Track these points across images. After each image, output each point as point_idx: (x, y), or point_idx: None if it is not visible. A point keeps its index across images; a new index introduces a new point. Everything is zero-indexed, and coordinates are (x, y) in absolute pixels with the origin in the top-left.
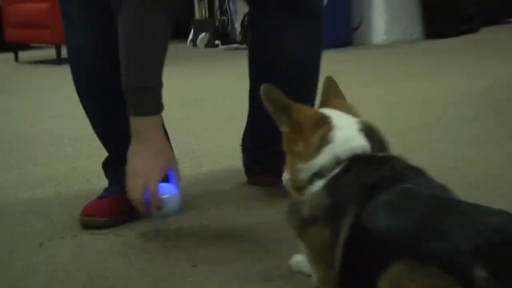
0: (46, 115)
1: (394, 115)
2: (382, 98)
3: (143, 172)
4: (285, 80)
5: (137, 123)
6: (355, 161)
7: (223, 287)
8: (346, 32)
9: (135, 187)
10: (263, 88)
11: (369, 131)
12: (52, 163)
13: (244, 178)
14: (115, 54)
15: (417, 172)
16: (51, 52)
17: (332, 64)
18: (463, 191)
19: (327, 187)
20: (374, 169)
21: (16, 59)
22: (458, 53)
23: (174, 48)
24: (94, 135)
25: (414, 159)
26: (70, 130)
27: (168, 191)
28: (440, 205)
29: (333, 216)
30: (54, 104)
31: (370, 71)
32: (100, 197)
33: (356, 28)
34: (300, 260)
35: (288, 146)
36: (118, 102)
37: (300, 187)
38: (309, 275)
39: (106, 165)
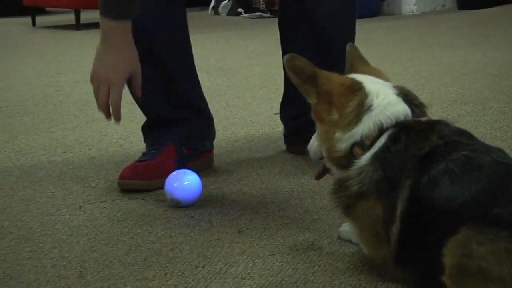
0: (70, 80)
1: (433, 86)
2: (417, 69)
3: (105, 78)
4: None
5: (106, 24)
6: (401, 129)
7: (274, 254)
8: (376, 2)
9: (99, 93)
10: (285, 58)
11: (406, 95)
12: (81, 128)
13: (281, 146)
14: None
15: (467, 136)
16: (69, 17)
17: (361, 34)
18: None
19: (376, 160)
20: (423, 138)
21: (34, 23)
22: (493, 24)
23: (196, 16)
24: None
25: None
26: None
27: (184, 195)
28: (503, 171)
29: (387, 190)
30: (76, 70)
31: (402, 42)
32: (139, 161)
33: None
34: (348, 229)
35: (318, 115)
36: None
37: (338, 158)
38: (357, 244)
39: (145, 128)
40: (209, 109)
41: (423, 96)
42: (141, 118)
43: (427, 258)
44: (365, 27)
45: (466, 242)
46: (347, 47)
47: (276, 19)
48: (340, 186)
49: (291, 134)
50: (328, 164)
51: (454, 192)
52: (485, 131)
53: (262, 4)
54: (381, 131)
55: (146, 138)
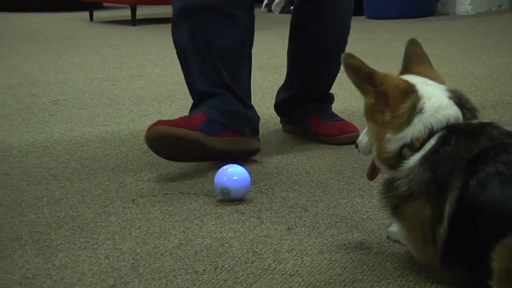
0: (125, 75)
1: (486, 88)
2: (471, 70)
3: None
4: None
5: None
6: (451, 131)
7: (323, 252)
8: (430, 1)
9: None
10: (343, 57)
11: (459, 98)
12: (135, 123)
13: (331, 144)
14: None
15: None
16: (125, 13)
17: (415, 34)
18: None
19: (425, 161)
20: (473, 140)
21: (91, 18)
22: None
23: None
24: (175, 96)
25: None
26: (150, 91)
27: (231, 182)
28: None
29: (435, 192)
30: (131, 64)
31: (456, 43)
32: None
33: None
34: (397, 230)
35: (371, 115)
36: None
37: (388, 159)
38: (406, 245)
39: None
40: (252, 105)
41: (476, 98)
42: None
43: (475, 260)
44: (419, 27)
45: None
46: (407, 42)
47: None
48: (389, 186)
49: (283, 115)
50: (378, 163)
51: (504, 195)
52: None
53: None
54: (431, 133)
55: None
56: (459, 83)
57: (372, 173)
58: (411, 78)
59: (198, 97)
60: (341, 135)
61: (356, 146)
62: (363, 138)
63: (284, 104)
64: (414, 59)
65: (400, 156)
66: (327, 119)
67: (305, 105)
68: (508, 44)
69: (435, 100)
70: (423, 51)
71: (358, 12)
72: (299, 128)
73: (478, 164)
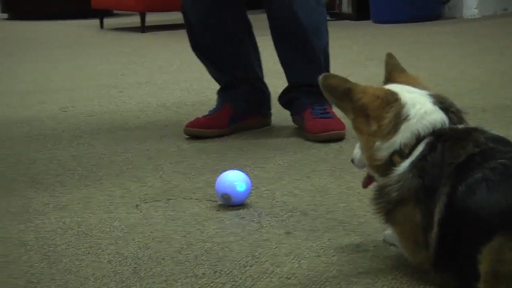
0: (133, 82)
1: (488, 91)
2: (474, 73)
3: None
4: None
5: None
6: (438, 137)
7: (320, 255)
8: (437, 5)
9: None
10: (320, 78)
11: (442, 103)
12: (141, 129)
13: (333, 149)
14: None
15: (503, 142)
16: (134, 19)
17: (421, 37)
18: None
19: (414, 168)
20: (459, 147)
21: (101, 25)
22: None
23: (258, 18)
24: (182, 103)
25: (510, 137)
26: (157, 97)
27: (232, 188)
28: None
29: (425, 198)
30: (139, 71)
31: (461, 46)
32: (204, 116)
33: (446, 1)
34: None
35: (358, 128)
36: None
37: (379, 166)
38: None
39: (218, 91)
40: (265, 85)
41: (477, 101)
42: None
43: (465, 264)
44: (425, 31)
45: (499, 248)
46: (386, 57)
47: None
48: (381, 193)
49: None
50: (370, 172)
51: (491, 200)
52: None
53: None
54: (418, 139)
55: (217, 97)
56: (461, 86)
57: (368, 181)
58: (393, 87)
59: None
60: (321, 132)
61: (352, 161)
62: (357, 152)
63: (283, 96)
64: (394, 69)
65: (390, 163)
66: (316, 116)
67: (301, 99)
68: (511, 48)
69: (420, 106)
70: (399, 63)
71: (365, 16)
72: (298, 121)
73: (466, 170)
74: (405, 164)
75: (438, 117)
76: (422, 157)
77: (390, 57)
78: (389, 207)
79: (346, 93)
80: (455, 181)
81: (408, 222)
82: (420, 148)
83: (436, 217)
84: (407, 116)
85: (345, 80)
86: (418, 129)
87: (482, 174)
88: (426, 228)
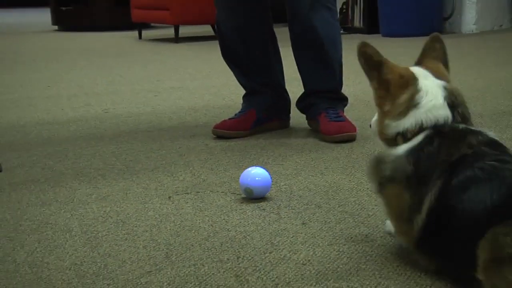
0: (167, 87)
1: (485, 99)
2: (473, 83)
3: None
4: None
5: None
6: (437, 132)
7: (332, 244)
8: (439, 21)
9: None
10: (358, 45)
11: (453, 100)
12: (174, 129)
13: (344, 148)
14: None
15: (495, 145)
16: (169, 31)
17: None
18: None
19: (410, 154)
20: (454, 146)
21: (140, 36)
22: None
23: (281, 31)
24: (210, 106)
25: (504, 140)
26: (188, 101)
27: (254, 183)
28: None
29: (416, 184)
30: (173, 77)
31: (460, 59)
32: (230, 118)
33: (448, 17)
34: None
35: (378, 101)
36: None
37: (387, 139)
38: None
39: (243, 96)
40: (286, 92)
41: (475, 108)
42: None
43: (449, 251)
44: None
45: (494, 237)
46: (429, 37)
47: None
48: (377, 166)
49: (302, 112)
50: (379, 139)
51: (479, 197)
52: None
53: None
54: (421, 129)
55: (242, 102)
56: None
57: None
58: (417, 70)
59: (249, 91)
60: (335, 134)
61: (370, 126)
62: (375, 121)
63: (300, 102)
64: (428, 53)
65: (395, 140)
66: (331, 119)
67: (317, 105)
68: (506, 60)
69: (431, 98)
70: (441, 46)
71: (375, 30)
72: (313, 124)
73: (458, 168)
74: (404, 148)
75: (443, 113)
76: (419, 147)
77: (432, 39)
78: (381, 180)
79: (377, 65)
80: (448, 177)
81: (396, 198)
82: (420, 137)
83: (426, 205)
84: (418, 104)
85: (379, 53)
86: (422, 120)
87: (472, 173)
88: (413, 210)
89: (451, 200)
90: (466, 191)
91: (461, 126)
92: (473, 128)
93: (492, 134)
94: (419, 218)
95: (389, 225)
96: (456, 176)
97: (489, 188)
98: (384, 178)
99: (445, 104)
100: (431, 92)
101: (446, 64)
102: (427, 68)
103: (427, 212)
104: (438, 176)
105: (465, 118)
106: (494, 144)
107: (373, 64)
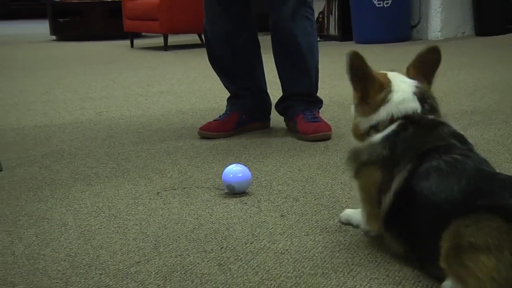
0: (156, 91)
1: (449, 100)
2: (437, 85)
3: None
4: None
5: None
6: (409, 121)
7: (308, 234)
8: (407, 29)
9: None
10: (349, 54)
11: (422, 95)
12: (163, 130)
13: (320, 147)
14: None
15: (461, 139)
16: (159, 40)
17: (393, 56)
18: (505, 164)
19: (385, 139)
20: (427, 135)
21: (132, 45)
22: (505, 48)
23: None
24: (196, 108)
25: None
26: (176, 104)
27: (236, 179)
28: (480, 176)
29: (389, 164)
30: (162, 82)
31: None
32: (214, 120)
33: (415, 25)
34: (350, 213)
35: (356, 100)
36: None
37: (360, 135)
38: (356, 227)
39: (228, 99)
40: (268, 95)
41: (440, 108)
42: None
43: (414, 235)
44: (397, 50)
45: (455, 228)
46: (427, 48)
47: (324, 42)
48: (354, 154)
49: (281, 114)
50: (352, 136)
51: (439, 188)
52: (490, 138)
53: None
54: (391, 120)
55: (226, 104)
56: None
57: None
58: (394, 75)
59: (233, 94)
60: (312, 134)
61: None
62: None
63: (279, 104)
64: (414, 63)
65: (368, 134)
66: (308, 120)
67: (294, 107)
68: (468, 63)
69: (401, 94)
70: (434, 58)
71: (348, 37)
72: (291, 125)
73: (427, 157)
74: (378, 137)
75: (413, 105)
76: (394, 133)
77: (429, 51)
78: (358, 166)
79: (364, 76)
80: (417, 162)
81: (369, 178)
82: (393, 126)
83: (395, 185)
84: (389, 100)
85: (366, 65)
86: (393, 112)
87: (437, 163)
88: (382, 189)
89: (416, 186)
90: (429, 179)
91: (430, 116)
92: (441, 119)
93: (455, 126)
94: (387, 197)
95: (346, 216)
96: (423, 163)
97: (450, 181)
98: (361, 162)
99: (414, 97)
100: (402, 89)
101: (430, 75)
102: (408, 74)
103: (394, 191)
104: (410, 159)
105: (434, 109)
106: (461, 138)
107: (361, 74)
